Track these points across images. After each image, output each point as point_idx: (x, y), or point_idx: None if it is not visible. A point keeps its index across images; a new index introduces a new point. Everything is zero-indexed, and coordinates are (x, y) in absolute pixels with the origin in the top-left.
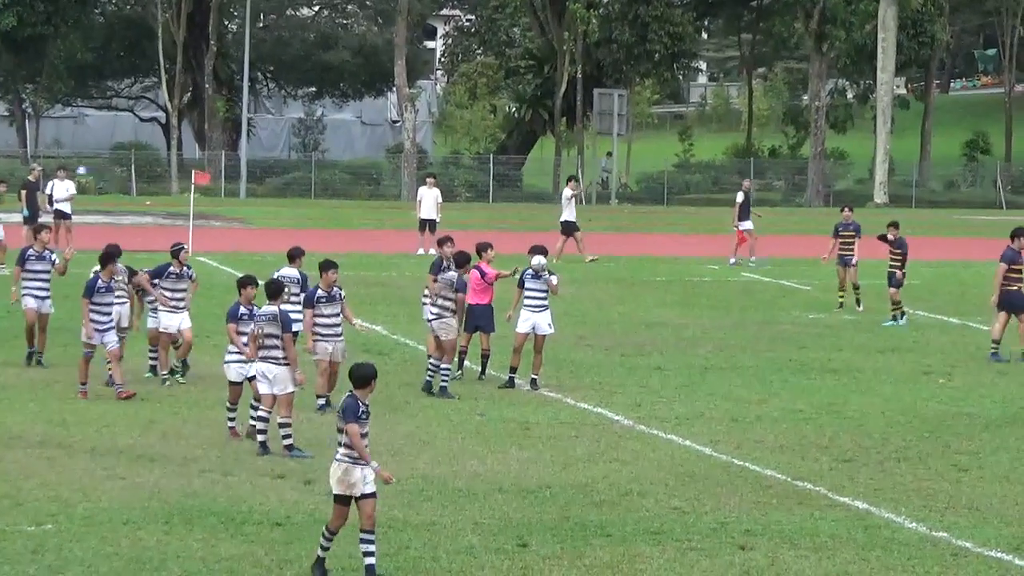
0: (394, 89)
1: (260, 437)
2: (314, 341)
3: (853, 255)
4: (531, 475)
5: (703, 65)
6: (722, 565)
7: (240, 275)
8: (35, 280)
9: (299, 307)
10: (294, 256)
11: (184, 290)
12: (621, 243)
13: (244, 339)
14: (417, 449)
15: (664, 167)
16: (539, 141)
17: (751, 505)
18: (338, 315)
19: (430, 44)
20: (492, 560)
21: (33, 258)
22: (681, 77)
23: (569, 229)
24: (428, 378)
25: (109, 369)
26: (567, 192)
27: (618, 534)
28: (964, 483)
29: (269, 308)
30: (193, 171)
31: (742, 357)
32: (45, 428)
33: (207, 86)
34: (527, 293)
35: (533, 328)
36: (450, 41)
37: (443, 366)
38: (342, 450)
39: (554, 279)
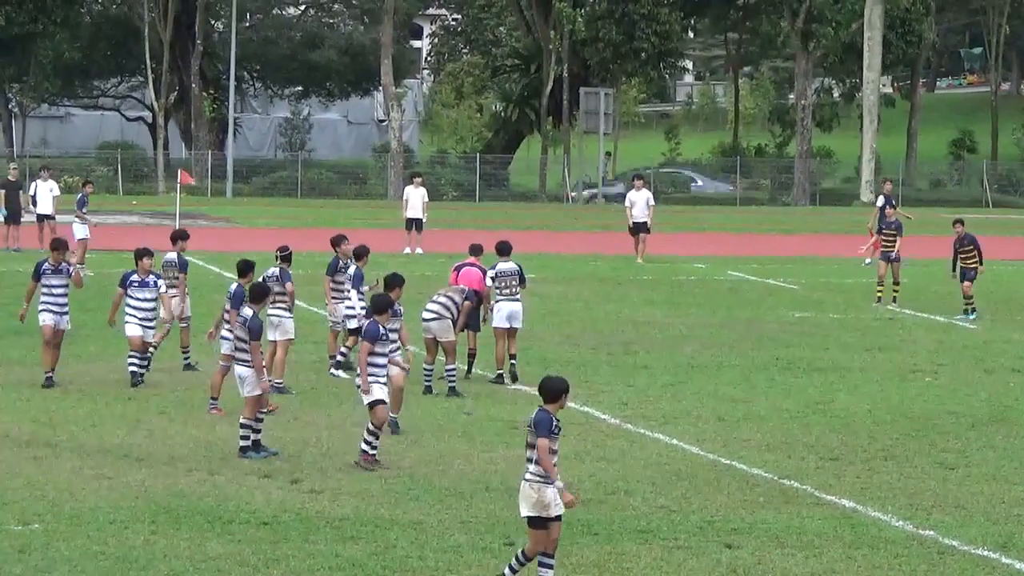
0: (380, 88)
1: (244, 442)
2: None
3: (894, 250)
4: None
5: (689, 64)
6: (709, 564)
7: (378, 295)
8: (52, 295)
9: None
10: (360, 255)
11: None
12: (607, 242)
13: (382, 360)
14: (404, 448)
15: (651, 166)
16: (526, 140)
17: (738, 504)
18: (396, 331)
19: (416, 43)
20: (479, 558)
21: (49, 272)
22: (667, 76)
23: (641, 229)
24: (427, 383)
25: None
26: (641, 193)
27: (605, 532)
28: (951, 481)
29: (244, 311)
30: (179, 171)
31: (729, 356)
32: (32, 427)
33: (193, 85)
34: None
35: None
36: (436, 40)
37: (448, 366)
38: (532, 468)
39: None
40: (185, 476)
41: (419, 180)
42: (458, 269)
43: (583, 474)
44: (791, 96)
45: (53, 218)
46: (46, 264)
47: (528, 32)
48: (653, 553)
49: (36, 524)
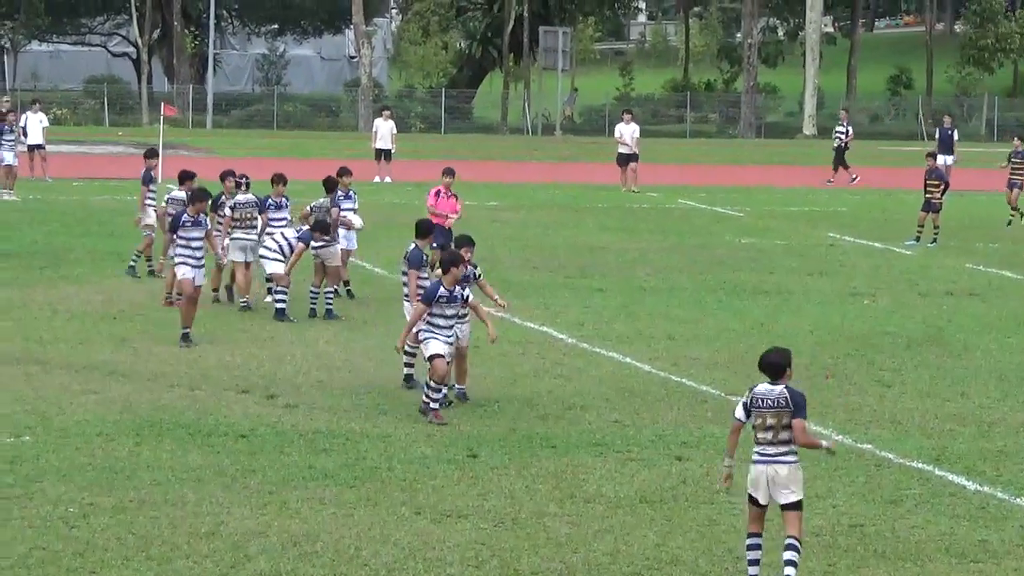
0: (352, 26)
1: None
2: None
3: (1021, 179)
4: (480, 390)
5: (642, 4)
6: (660, 474)
7: None
8: (190, 248)
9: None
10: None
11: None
12: (565, 172)
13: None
14: (374, 366)
15: (605, 101)
16: (488, 76)
17: (687, 418)
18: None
19: None
20: (444, 469)
21: (188, 224)
22: (621, 15)
23: (631, 159)
24: (312, 306)
25: None
26: (629, 126)
27: (562, 445)
28: (887, 398)
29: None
30: (162, 103)
31: (679, 279)
32: (24, 345)
33: (175, 23)
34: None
35: None
36: None
37: (327, 290)
38: (792, 449)
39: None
40: (167, 391)
41: (388, 113)
42: (437, 194)
43: (542, 390)
44: (738, 35)
45: (43, 147)
46: (186, 216)
47: None
48: (607, 465)
49: (27, 436)
